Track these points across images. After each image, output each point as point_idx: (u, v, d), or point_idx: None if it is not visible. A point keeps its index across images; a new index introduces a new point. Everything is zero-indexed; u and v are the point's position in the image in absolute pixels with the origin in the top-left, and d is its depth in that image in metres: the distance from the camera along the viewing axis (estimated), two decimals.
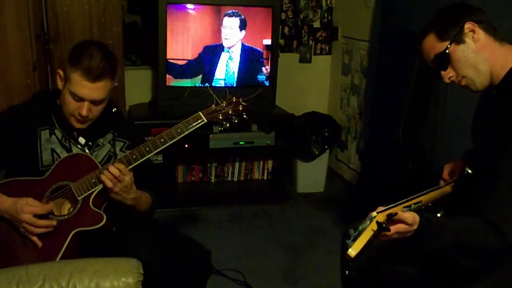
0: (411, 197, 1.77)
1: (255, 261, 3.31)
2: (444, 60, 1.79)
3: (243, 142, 4.05)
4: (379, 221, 1.56)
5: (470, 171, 1.90)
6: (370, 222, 1.57)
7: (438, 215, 1.76)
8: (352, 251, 1.50)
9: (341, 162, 4.69)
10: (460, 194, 1.93)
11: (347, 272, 2.01)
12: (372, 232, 1.54)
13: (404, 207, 1.71)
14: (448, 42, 1.77)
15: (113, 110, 2.22)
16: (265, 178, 4.54)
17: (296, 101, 4.61)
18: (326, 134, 4.30)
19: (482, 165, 1.85)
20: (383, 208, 1.65)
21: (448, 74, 1.82)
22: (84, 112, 2.01)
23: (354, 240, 1.53)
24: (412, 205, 1.75)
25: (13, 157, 2.10)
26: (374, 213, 1.61)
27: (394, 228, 1.61)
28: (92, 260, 1.75)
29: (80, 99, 2.00)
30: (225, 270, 3.13)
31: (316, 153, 4.29)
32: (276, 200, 4.23)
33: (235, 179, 4.48)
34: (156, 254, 1.98)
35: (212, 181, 4.44)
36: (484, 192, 1.73)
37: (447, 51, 1.78)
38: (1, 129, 2.10)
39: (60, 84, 2.06)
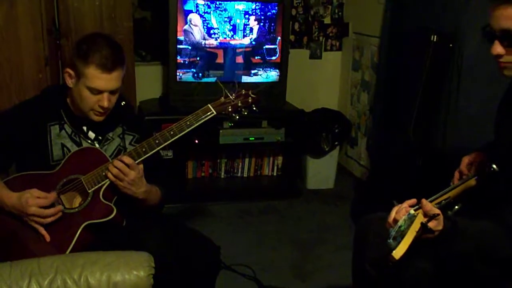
0: (439, 194, 1.75)
1: (265, 256, 3.31)
2: None
3: (253, 138, 4.05)
4: (424, 222, 1.54)
5: (496, 168, 1.83)
6: (410, 220, 1.55)
7: (456, 207, 1.74)
8: (397, 253, 1.48)
9: (351, 158, 4.68)
10: (483, 189, 1.89)
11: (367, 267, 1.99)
12: (415, 234, 1.52)
13: (435, 204, 1.70)
14: None
15: (122, 104, 2.23)
16: (275, 174, 4.54)
17: (306, 97, 4.61)
18: (336, 130, 4.29)
19: (506, 163, 1.81)
20: (402, 213, 1.65)
21: (502, 51, 1.67)
22: (105, 103, 2.03)
23: (395, 239, 1.51)
24: (442, 201, 1.73)
25: (24, 152, 2.11)
26: (413, 211, 1.60)
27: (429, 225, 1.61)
28: (103, 253, 1.76)
29: (99, 92, 2.02)
30: (235, 265, 3.13)
31: (326, 149, 4.29)
32: (285, 196, 4.23)
33: (245, 175, 4.48)
34: (166, 248, 1.98)
35: (222, 177, 4.44)
36: (508, 196, 1.71)
37: None
38: (12, 124, 2.12)
39: (70, 82, 2.07)
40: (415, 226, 1.53)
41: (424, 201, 1.66)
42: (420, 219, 1.57)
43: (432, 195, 1.80)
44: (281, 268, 3.19)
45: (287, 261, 3.29)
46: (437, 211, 1.62)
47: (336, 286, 2.98)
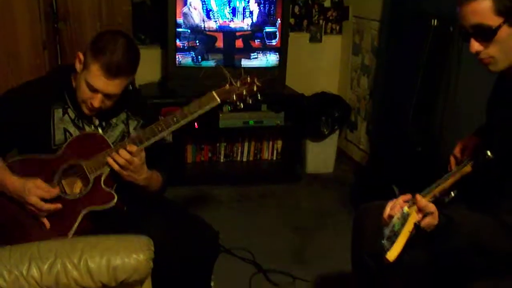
0: (434, 186, 1.74)
1: (264, 240, 3.32)
2: (488, 34, 1.63)
3: (252, 122, 4.04)
4: (417, 223, 1.54)
5: (491, 155, 1.84)
6: (404, 219, 1.54)
7: (452, 194, 1.74)
8: (391, 255, 1.48)
9: (351, 142, 4.68)
10: (477, 176, 1.89)
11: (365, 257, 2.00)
12: (408, 234, 1.52)
13: (430, 198, 1.69)
14: (502, 20, 1.60)
15: (129, 88, 2.19)
16: (274, 158, 4.54)
17: (306, 81, 4.59)
18: (336, 114, 4.29)
19: (500, 151, 1.81)
20: (396, 209, 1.65)
21: (479, 47, 1.67)
22: (96, 104, 1.99)
23: (389, 239, 1.51)
24: (437, 194, 1.73)
25: (26, 135, 2.09)
26: (406, 209, 1.60)
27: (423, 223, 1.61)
28: (103, 237, 1.76)
29: (94, 91, 1.98)
30: (234, 249, 3.15)
31: (326, 133, 4.28)
32: (285, 180, 4.24)
33: (244, 159, 4.48)
34: (165, 232, 1.99)
35: (222, 161, 4.44)
36: (502, 187, 1.71)
37: (498, 28, 1.61)
38: (15, 105, 2.09)
39: (78, 66, 2.02)
40: (409, 226, 1.53)
41: (418, 197, 1.65)
42: (413, 218, 1.56)
43: (431, 181, 1.80)
44: (280, 252, 3.21)
45: (286, 245, 3.30)
46: (432, 208, 1.61)
47: (335, 270, 2.99)
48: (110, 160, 1.99)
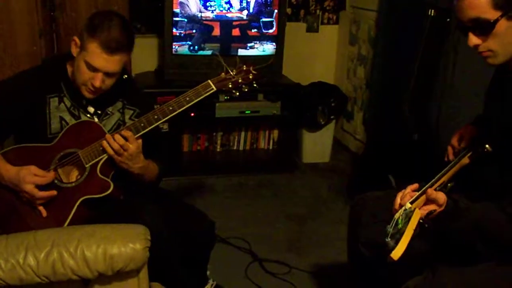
0: (434, 180, 1.75)
1: (260, 230, 3.33)
2: (486, 28, 1.62)
3: (249, 111, 4.04)
4: (421, 220, 1.55)
5: (490, 149, 1.82)
6: (408, 216, 1.55)
7: (449, 185, 1.75)
8: (396, 254, 1.50)
9: (347, 132, 4.68)
10: (475, 168, 1.90)
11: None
12: (413, 232, 1.53)
13: (438, 187, 1.70)
14: (500, 14, 1.58)
15: (124, 77, 2.19)
16: (270, 147, 4.54)
17: (302, 70, 4.58)
18: (332, 104, 4.29)
19: (498, 146, 1.81)
20: (407, 199, 1.66)
21: (478, 41, 1.66)
22: (97, 83, 1.99)
23: (393, 237, 1.52)
24: (437, 188, 1.74)
25: (21, 124, 2.09)
26: (409, 205, 1.61)
27: (426, 208, 1.62)
28: (100, 226, 1.76)
29: (95, 70, 1.98)
30: (230, 238, 3.16)
31: (322, 123, 4.29)
32: (281, 169, 4.24)
33: (241, 148, 4.49)
34: (162, 221, 1.99)
35: (218, 150, 4.44)
36: (504, 182, 1.72)
37: (496, 22, 1.60)
38: (10, 94, 2.09)
39: (74, 50, 2.03)
40: (413, 224, 1.54)
41: (429, 190, 1.66)
42: (417, 215, 1.57)
43: (427, 170, 1.80)
44: (276, 241, 3.22)
45: (283, 234, 3.31)
46: (442, 199, 1.62)
47: (331, 260, 3.00)
48: (104, 144, 1.99)
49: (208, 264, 2.46)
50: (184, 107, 2.04)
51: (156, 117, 2.03)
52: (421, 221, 1.57)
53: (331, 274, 2.91)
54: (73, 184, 2.03)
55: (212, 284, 2.51)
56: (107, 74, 2.01)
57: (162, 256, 1.93)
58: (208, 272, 2.51)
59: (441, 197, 1.63)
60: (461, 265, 1.72)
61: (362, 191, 2.21)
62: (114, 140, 1.98)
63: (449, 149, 2.05)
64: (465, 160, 1.86)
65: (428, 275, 1.72)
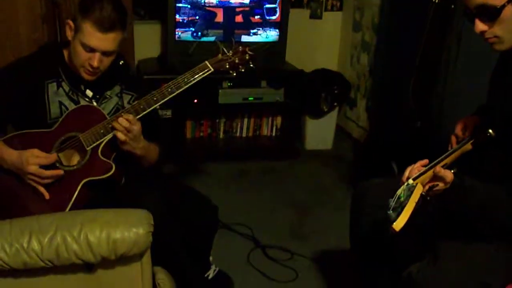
0: (436, 161, 1.76)
1: (263, 216, 3.34)
2: (491, 14, 1.62)
3: (252, 98, 4.04)
4: (423, 193, 1.57)
5: (493, 133, 1.82)
6: (410, 191, 1.57)
7: (452, 171, 1.75)
8: (398, 225, 1.51)
9: (350, 120, 4.68)
10: (478, 153, 1.90)
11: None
12: (414, 204, 1.55)
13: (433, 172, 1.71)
14: (507, 0, 1.60)
15: (120, 63, 2.21)
16: (273, 134, 4.54)
17: (306, 57, 4.57)
18: (335, 91, 4.28)
19: (501, 132, 1.82)
20: (414, 173, 1.68)
21: (484, 27, 1.67)
22: (95, 63, 2.01)
23: (394, 210, 1.54)
24: (448, 163, 1.75)
25: (21, 110, 2.10)
26: (411, 181, 1.63)
27: (430, 184, 1.64)
28: (103, 211, 1.77)
29: (91, 50, 2.00)
30: (233, 224, 3.17)
31: (325, 110, 4.29)
32: (284, 156, 4.25)
33: (244, 135, 4.48)
34: (164, 207, 2.00)
35: (221, 136, 4.44)
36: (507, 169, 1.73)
37: (503, 8, 1.60)
38: (8, 82, 2.10)
39: (69, 34, 2.04)
40: (415, 197, 1.56)
41: (438, 167, 1.67)
42: (419, 189, 1.59)
43: (429, 157, 1.80)
44: (279, 228, 3.23)
45: (285, 221, 3.32)
46: (449, 177, 1.63)
47: (334, 246, 3.02)
48: (116, 124, 2.00)
49: (211, 250, 2.47)
50: (182, 88, 2.08)
51: (155, 99, 2.06)
52: (423, 193, 1.58)
53: (333, 261, 2.92)
54: (75, 167, 2.04)
55: (214, 270, 2.52)
56: (104, 53, 2.02)
57: (164, 241, 1.93)
58: (211, 258, 2.52)
59: (449, 175, 1.64)
60: (462, 243, 1.74)
61: (365, 178, 2.22)
62: (120, 123, 2.00)
63: (453, 138, 2.05)
64: (468, 146, 1.86)
65: (431, 260, 1.73)
